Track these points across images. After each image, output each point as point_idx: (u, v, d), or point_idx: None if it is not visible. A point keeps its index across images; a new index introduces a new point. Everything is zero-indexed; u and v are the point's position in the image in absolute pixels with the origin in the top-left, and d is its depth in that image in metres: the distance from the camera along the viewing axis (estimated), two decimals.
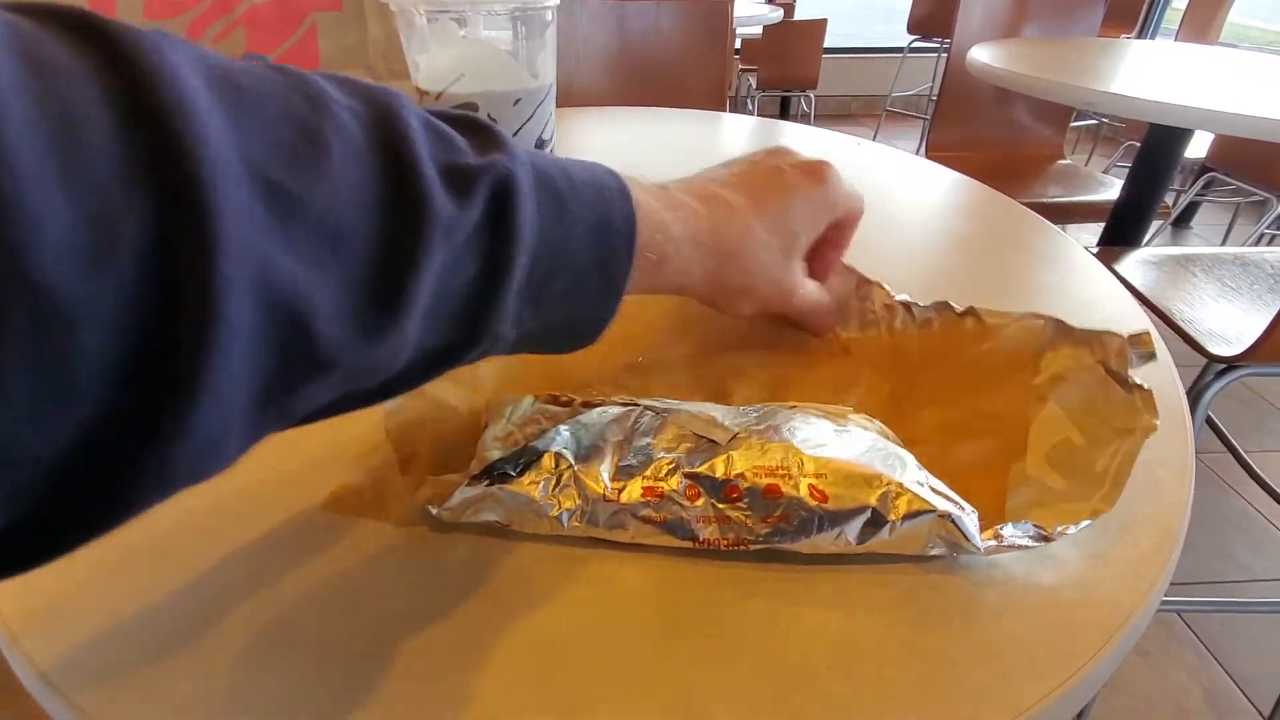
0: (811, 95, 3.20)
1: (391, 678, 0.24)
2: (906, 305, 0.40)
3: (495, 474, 0.29)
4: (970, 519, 0.27)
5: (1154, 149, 1.40)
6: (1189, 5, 2.49)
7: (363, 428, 0.34)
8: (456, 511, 0.29)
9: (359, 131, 0.19)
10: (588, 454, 0.29)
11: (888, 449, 0.29)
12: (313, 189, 0.17)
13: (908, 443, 0.31)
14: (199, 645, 0.25)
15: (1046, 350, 0.35)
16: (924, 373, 0.38)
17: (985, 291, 0.48)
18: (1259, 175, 1.73)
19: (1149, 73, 1.30)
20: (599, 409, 0.31)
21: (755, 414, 0.31)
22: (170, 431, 0.15)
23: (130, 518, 0.16)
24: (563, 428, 0.30)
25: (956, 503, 0.27)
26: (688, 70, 1.31)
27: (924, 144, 2.19)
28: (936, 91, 1.89)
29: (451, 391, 0.35)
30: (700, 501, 0.28)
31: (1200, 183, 1.92)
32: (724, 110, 1.26)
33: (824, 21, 2.85)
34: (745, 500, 0.28)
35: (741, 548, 0.28)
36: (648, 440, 0.30)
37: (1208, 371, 0.94)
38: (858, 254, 0.41)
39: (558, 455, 0.29)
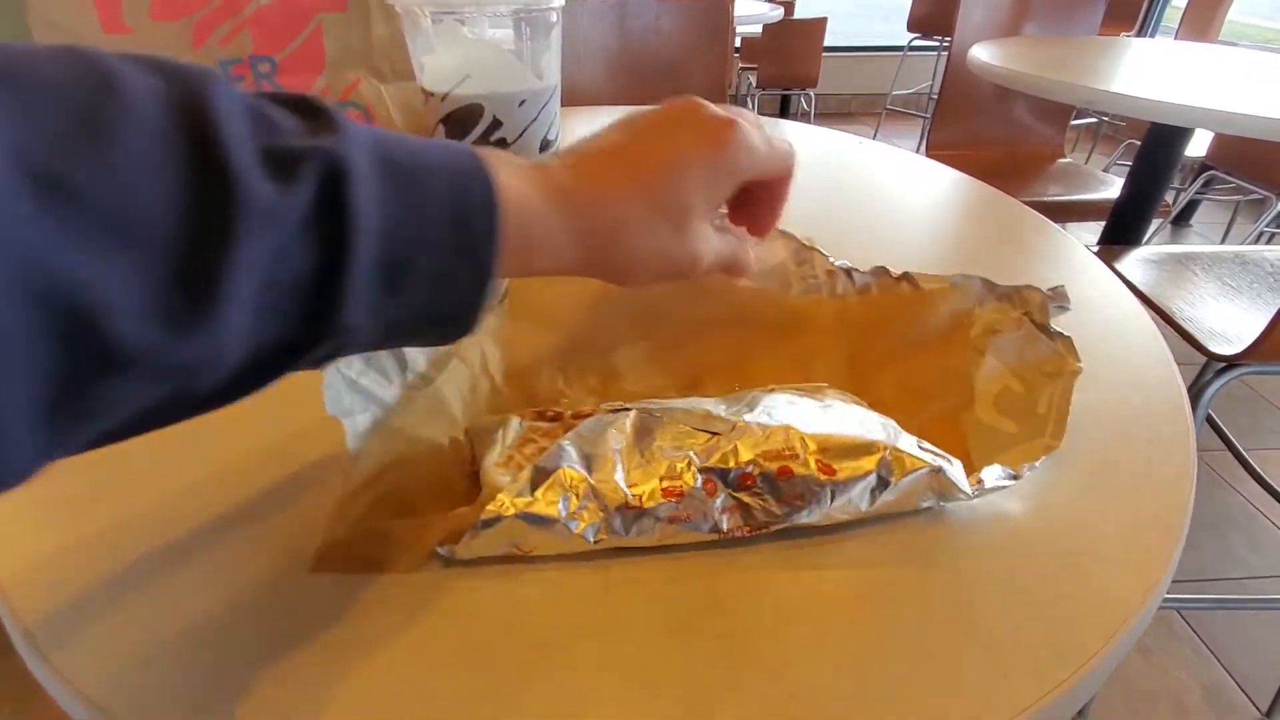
0: (812, 93, 3.20)
1: (410, 675, 0.25)
2: (847, 271, 0.41)
3: (511, 500, 0.28)
4: (957, 469, 0.30)
5: (1154, 148, 1.40)
6: (1189, 3, 2.49)
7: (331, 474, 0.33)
8: (475, 548, 0.28)
9: (159, 113, 0.18)
10: (597, 464, 0.29)
11: (874, 418, 0.32)
12: (95, 177, 0.16)
13: (876, 406, 0.34)
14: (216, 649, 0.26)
15: (976, 307, 0.38)
16: (873, 336, 0.40)
17: None
18: (1258, 174, 1.74)
19: (1150, 71, 1.30)
20: (592, 419, 0.31)
21: (744, 401, 0.32)
22: None
23: None
24: (564, 442, 0.30)
25: (943, 457, 0.30)
26: (688, 69, 1.31)
27: (924, 142, 2.19)
28: (937, 90, 1.89)
29: (425, 424, 0.34)
30: (719, 494, 0.29)
31: (1200, 181, 1.92)
32: None
33: (824, 20, 2.85)
34: (760, 485, 0.29)
35: (763, 531, 0.29)
36: (653, 442, 0.30)
37: (1208, 370, 0.94)
38: (859, 254, 0.41)
39: (569, 471, 0.29)
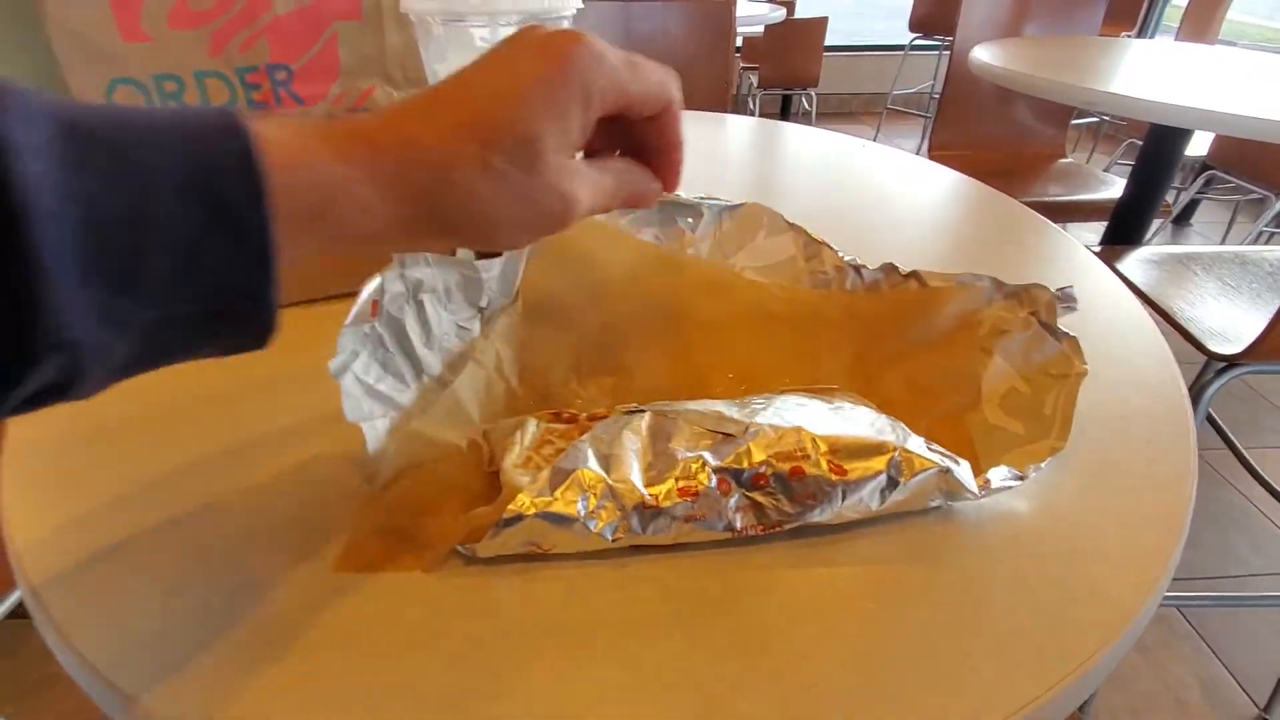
0: (813, 93, 3.20)
1: (430, 668, 0.26)
2: (855, 267, 0.41)
3: (532, 499, 0.29)
4: (964, 470, 0.31)
5: (1155, 148, 1.41)
6: (1189, 2, 2.50)
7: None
8: (495, 546, 0.29)
9: None
10: (614, 465, 0.30)
11: (884, 419, 0.32)
12: None
13: (883, 404, 0.34)
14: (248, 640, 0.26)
15: (984, 306, 0.38)
16: (882, 334, 0.40)
17: None
18: (1258, 174, 1.74)
19: (1150, 72, 1.30)
20: (608, 420, 0.32)
21: (756, 404, 0.33)
22: None
23: None
24: (582, 443, 0.30)
25: (951, 458, 0.31)
26: (693, 70, 1.32)
27: (926, 142, 2.20)
28: (937, 89, 1.89)
29: (443, 426, 0.34)
30: (733, 493, 0.30)
31: (1200, 180, 1.93)
32: (727, 109, 1.27)
33: (825, 20, 2.86)
34: (773, 485, 0.30)
35: (775, 530, 0.30)
36: (669, 443, 0.31)
37: (1208, 369, 0.95)
38: (861, 256, 0.42)
39: (588, 471, 0.29)
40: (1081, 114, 2.68)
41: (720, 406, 0.33)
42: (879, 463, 0.30)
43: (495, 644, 0.26)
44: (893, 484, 0.30)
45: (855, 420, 0.32)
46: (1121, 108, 1.12)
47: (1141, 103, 1.07)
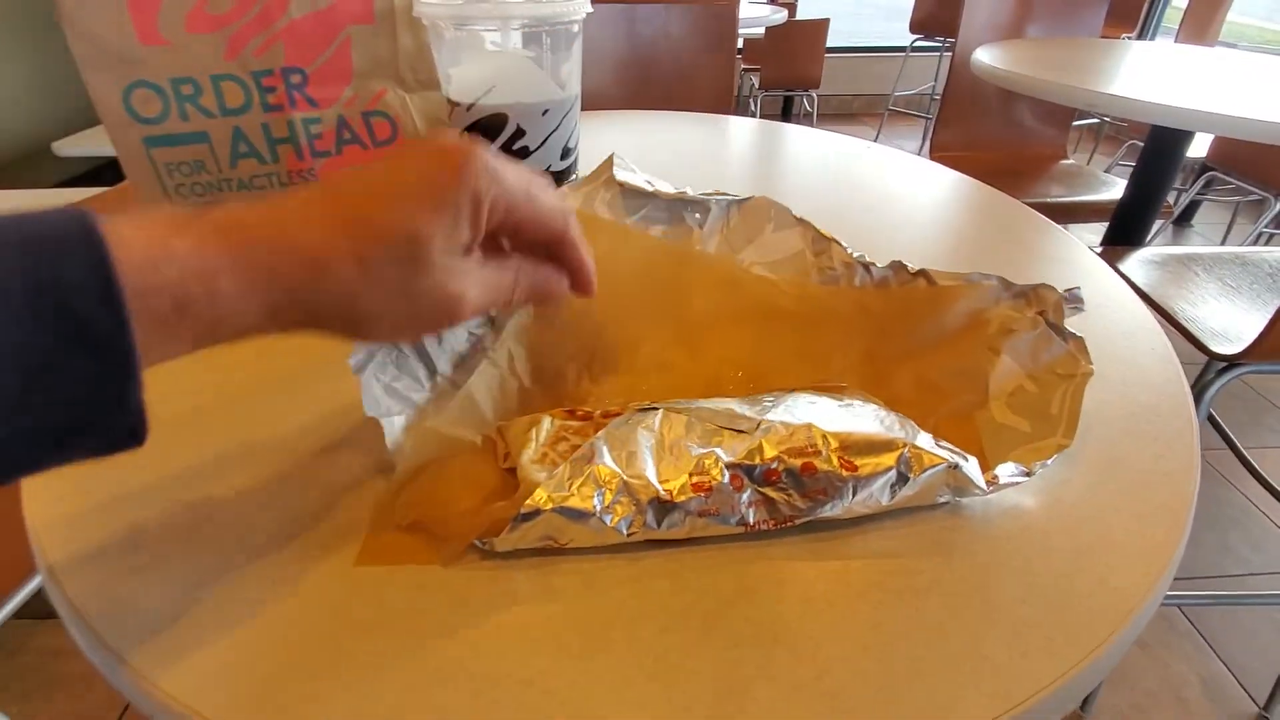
0: (814, 95, 3.21)
1: (448, 659, 0.26)
2: (864, 264, 0.42)
3: (549, 494, 0.29)
4: (973, 466, 0.31)
5: (1156, 150, 1.41)
6: (1189, 5, 2.51)
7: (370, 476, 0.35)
8: (513, 540, 0.29)
9: None
10: (629, 461, 0.31)
11: (893, 416, 0.33)
12: None
13: (892, 402, 0.35)
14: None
15: (993, 306, 0.39)
16: (891, 332, 0.41)
17: None
18: (1258, 175, 1.75)
19: (1152, 74, 1.31)
20: (622, 417, 0.33)
21: (767, 401, 0.34)
22: None
23: None
24: (597, 440, 0.31)
25: (959, 454, 0.32)
26: (695, 73, 1.33)
27: (927, 143, 2.20)
28: (939, 90, 1.90)
29: (459, 424, 0.35)
30: (746, 489, 0.30)
31: (1201, 182, 1.94)
32: (729, 111, 1.27)
33: (826, 21, 2.87)
34: (785, 481, 0.30)
35: (788, 524, 0.31)
36: (682, 440, 0.32)
37: (1209, 369, 0.95)
38: (865, 254, 0.42)
39: (603, 467, 0.30)
40: (1082, 115, 2.69)
41: (732, 404, 0.33)
42: (889, 459, 0.31)
43: (515, 635, 0.27)
44: (903, 479, 0.31)
45: (865, 417, 0.33)
46: (1123, 109, 1.12)
47: (1143, 104, 1.08)
